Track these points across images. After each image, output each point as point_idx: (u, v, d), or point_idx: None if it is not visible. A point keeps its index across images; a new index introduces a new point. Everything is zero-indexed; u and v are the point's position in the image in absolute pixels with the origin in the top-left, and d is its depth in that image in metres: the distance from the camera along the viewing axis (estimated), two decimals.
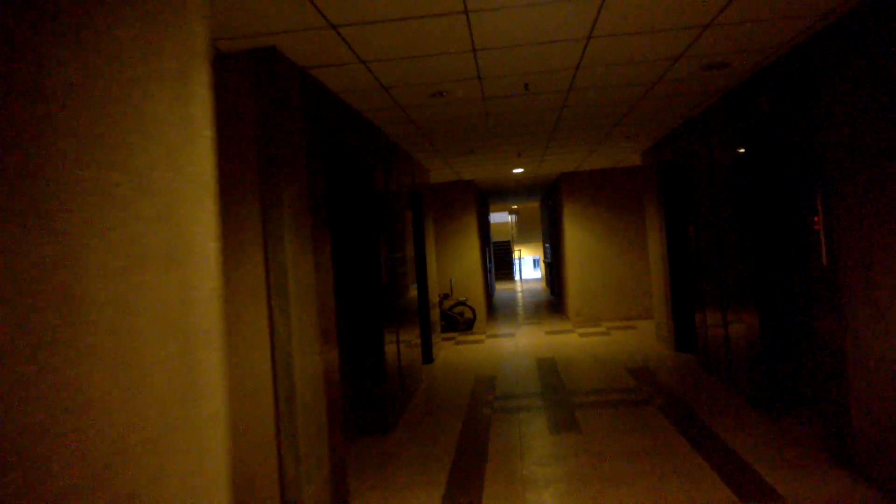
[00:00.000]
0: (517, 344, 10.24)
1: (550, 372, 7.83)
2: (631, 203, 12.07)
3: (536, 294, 19.79)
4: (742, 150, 5.62)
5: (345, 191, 5.75)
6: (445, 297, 12.02)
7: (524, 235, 29.10)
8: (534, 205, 23.62)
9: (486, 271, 14.73)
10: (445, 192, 12.25)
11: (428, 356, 9.04)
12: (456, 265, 12.27)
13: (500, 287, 23.63)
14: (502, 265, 27.55)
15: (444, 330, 12.12)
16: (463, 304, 12.03)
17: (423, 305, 8.97)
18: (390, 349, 6.15)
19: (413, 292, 8.00)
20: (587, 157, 10.19)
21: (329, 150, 5.11)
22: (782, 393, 5.40)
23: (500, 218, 28.44)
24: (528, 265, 38.10)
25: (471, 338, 11.28)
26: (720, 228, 6.29)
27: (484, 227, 16.01)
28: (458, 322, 12.08)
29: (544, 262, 22.17)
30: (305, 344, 3.80)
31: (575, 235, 12.21)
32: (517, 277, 29.11)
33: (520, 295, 19.97)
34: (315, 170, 4.21)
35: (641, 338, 9.92)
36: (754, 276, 5.46)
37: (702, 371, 7.20)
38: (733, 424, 5.22)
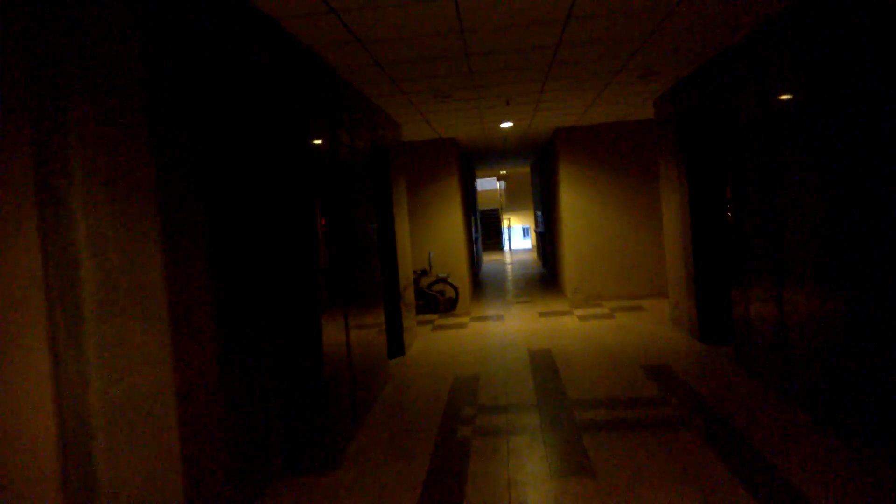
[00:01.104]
0: (506, 329, 8.67)
1: (547, 370, 6.27)
2: (638, 164, 10.43)
3: (527, 266, 18.24)
4: (826, 79, 3.98)
5: (258, 137, 4.06)
6: (423, 273, 10.41)
7: (514, 203, 27.47)
8: (524, 170, 21.94)
9: (471, 243, 13.12)
10: (423, 153, 10.55)
11: (398, 347, 7.46)
12: (436, 237, 10.64)
13: (489, 259, 22.07)
14: (490, 235, 25.98)
15: (421, 311, 10.55)
16: (444, 281, 10.43)
17: (390, 286, 7.36)
18: (335, 349, 4.55)
19: (376, 271, 6.39)
20: (589, 108, 8.51)
21: (217, 66, 3.42)
22: (878, 414, 3.85)
23: (488, 185, 26.75)
24: (518, 234, 36.60)
25: (452, 321, 9.70)
26: (782, 185, 4.67)
27: (468, 193, 14.35)
28: (438, 302, 10.49)
29: (535, 231, 20.60)
30: (126, 378, 2.17)
31: (572, 201, 10.58)
32: (506, 248, 27.56)
33: (509, 267, 18.42)
34: (170, 87, 2.53)
35: (653, 322, 8.38)
36: (843, 245, 3.87)
37: (742, 372, 5.67)
38: (809, 462, 3.69)
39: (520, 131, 10.46)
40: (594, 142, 10.49)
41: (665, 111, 7.80)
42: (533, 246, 28.67)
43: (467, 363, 6.90)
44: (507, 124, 9.40)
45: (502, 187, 27.02)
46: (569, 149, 10.54)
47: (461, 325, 9.25)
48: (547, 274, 15.41)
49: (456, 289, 10.50)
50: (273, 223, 4.12)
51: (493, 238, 26.07)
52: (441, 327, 9.26)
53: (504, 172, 23.05)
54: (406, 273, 8.16)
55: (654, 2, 4.08)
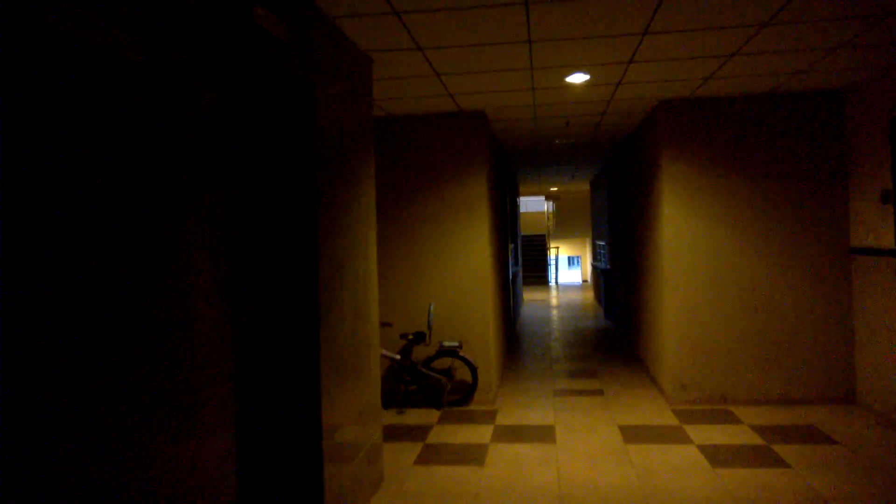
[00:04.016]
0: (563, 478, 4.28)
1: None
2: (810, 165, 5.99)
3: (582, 313, 13.73)
4: None
5: None
6: (418, 338, 6.12)
7: (563, 228, 22.98)
8: (580, 187, 17.55)
9: (506, 285, 8.77)
10: (427, 136, 6.34)
11: None
12: (446, 276, 6.36)
13: (530, 297, 17.61)
14: (533, 267, 21.51)
15: (410, 403, 6.26)
16: (453, 352, 6.12)
17: (299, 375, 3.11)
18: None
19: (174, 339, 2.16)
20: (739, 51, 4.16)
21: None
22: None
23: (534, 206, 22.38)
24: (563, 263, 32.07)
25: (462, 433, 5.36)
26: None
27: (505, 210, 10.05)
28: (441, 390, 6.15)
29: (594, 266, 16.10)
30: None
31: (681, 227, 6.17)
32: (553, 282, 23.01)
33: (556, 313, 13.92)
34: None
35: (867, 479, 3.88)
36: None
37: None
38: None
39: (596, 104, 6.16)
40: (726, 126, 6.10)
41: None
42: (584, 281, 24.07)
43: None
44: (577, 77, 5.11)
45: (551, 209, 22.58)
46: (680, 136, 6.16)
47: (475, 452, 4.90)
48: (614, 329, 10.93)
49: (473, 368, 6.16)
50: None
51: (537, 271, 21.59)
52: (436, 453, 4.91)
53: (555, 190, 18.65)
54: (364, 336, 3.92)
55: None
